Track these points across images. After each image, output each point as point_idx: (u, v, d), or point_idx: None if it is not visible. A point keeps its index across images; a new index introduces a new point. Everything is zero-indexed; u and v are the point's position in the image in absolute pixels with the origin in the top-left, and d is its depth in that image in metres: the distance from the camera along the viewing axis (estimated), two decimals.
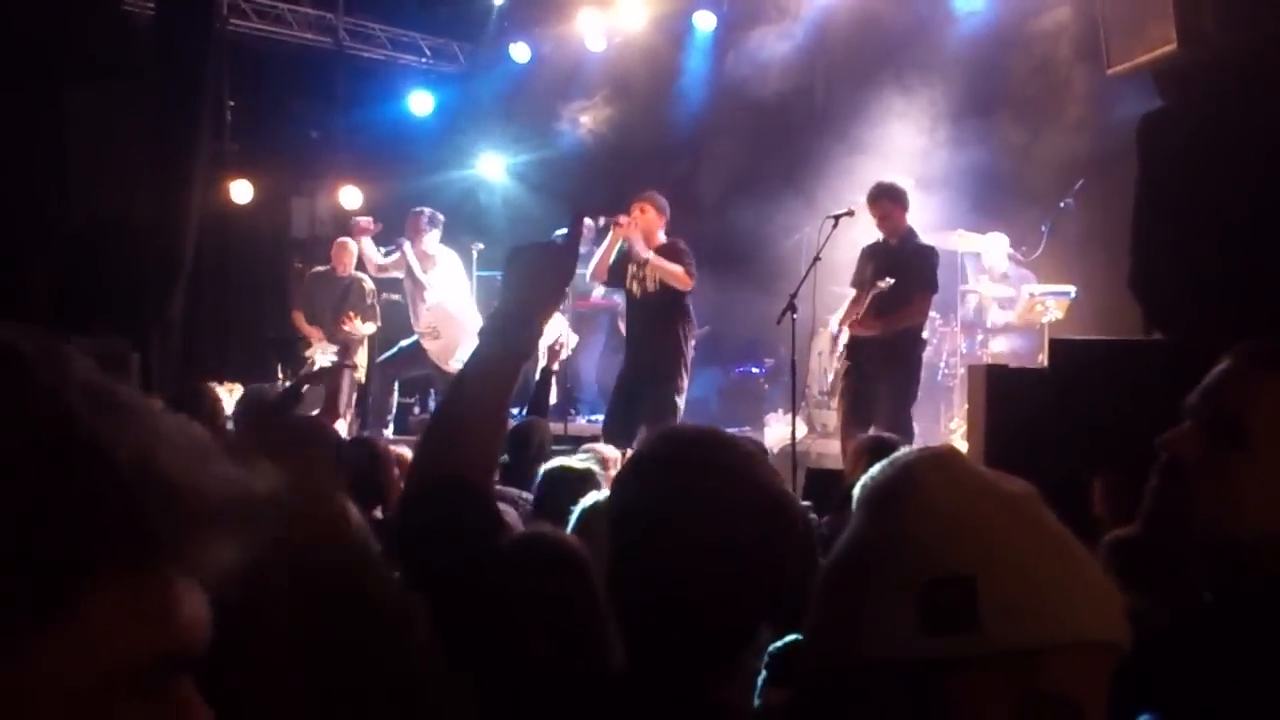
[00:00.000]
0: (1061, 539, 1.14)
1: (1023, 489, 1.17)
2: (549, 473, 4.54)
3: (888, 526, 1.14)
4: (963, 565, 1.07)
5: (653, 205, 8.43)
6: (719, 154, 12.08)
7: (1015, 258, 10.51)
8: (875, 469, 1.21)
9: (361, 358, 10.58)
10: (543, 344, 11.66)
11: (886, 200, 7.99)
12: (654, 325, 8.33)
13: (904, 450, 1.27)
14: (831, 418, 10.38)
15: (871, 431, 6.76)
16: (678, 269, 8.19)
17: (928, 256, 7.95)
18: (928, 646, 1.06)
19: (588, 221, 8.50)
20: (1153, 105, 5.10)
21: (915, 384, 7.96)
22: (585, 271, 8.90)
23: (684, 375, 8.30)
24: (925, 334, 8.36)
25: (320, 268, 11.06)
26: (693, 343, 8.43)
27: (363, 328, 10.45)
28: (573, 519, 3.32)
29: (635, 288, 8.40)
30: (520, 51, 13.43)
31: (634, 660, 1.61)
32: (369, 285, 10.62)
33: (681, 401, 8.29)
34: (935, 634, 1.06)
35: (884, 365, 7.83)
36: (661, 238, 8.44)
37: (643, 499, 1.62)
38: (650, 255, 8.22)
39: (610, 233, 8.51)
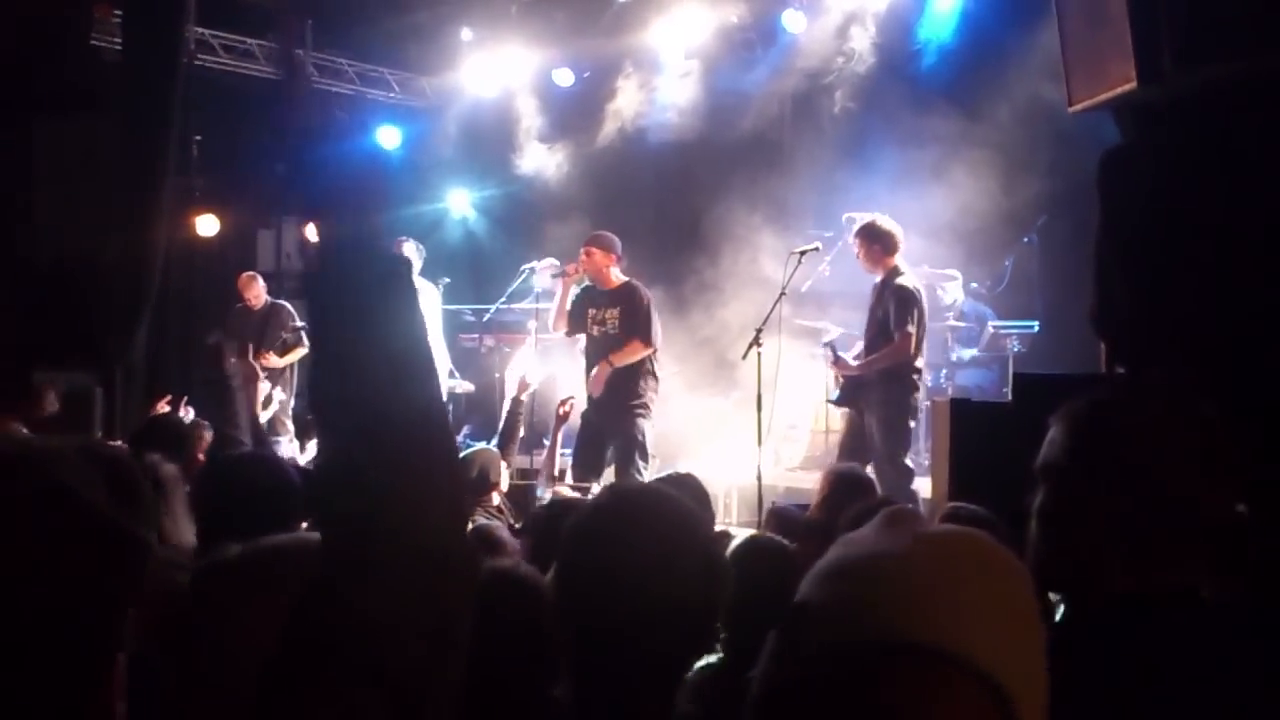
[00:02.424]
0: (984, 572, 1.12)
1: (987, 545, 1.15)
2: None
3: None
4: None
5: (598, 247, 8.42)
6: (686, 188, 12.14)
7: (979, 293, 10.59)
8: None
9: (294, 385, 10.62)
10: (511, 376, 11.67)
11: (858, 237, 8.02)
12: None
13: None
14: (797, 451, 10.41)
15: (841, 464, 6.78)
16: (634, 348, 8.23)
17: (895, 295, 7.81)
18: None
19: (553, 261, 8.60)
20: (1113, 142, 5.16)
21: (905, 423, 7.81)
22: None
23: (649, 410, 8.30)
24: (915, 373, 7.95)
25: (239, 304, 11.14)
26: (655, 380, 8.41)
27: (278, 360, 10.41)
28: None
29: (595, 330, 8.40)
30: (488, 87, 13.47)
31: (578, 685, 1.76)
32: (288, 311, 10.63)
33: (650, 436, 8.29)
34: None
35: (874, 404, 7.80)
36: (617, 276, 8.46)
37: (592, 543, 1.80)
38: (610, 367, 8.23)
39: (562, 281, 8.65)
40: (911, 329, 7.68)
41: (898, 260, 7.92)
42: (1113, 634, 1.74)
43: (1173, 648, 1.72)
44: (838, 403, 8.21)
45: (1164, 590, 1.78)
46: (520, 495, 7.42)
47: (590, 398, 8.40)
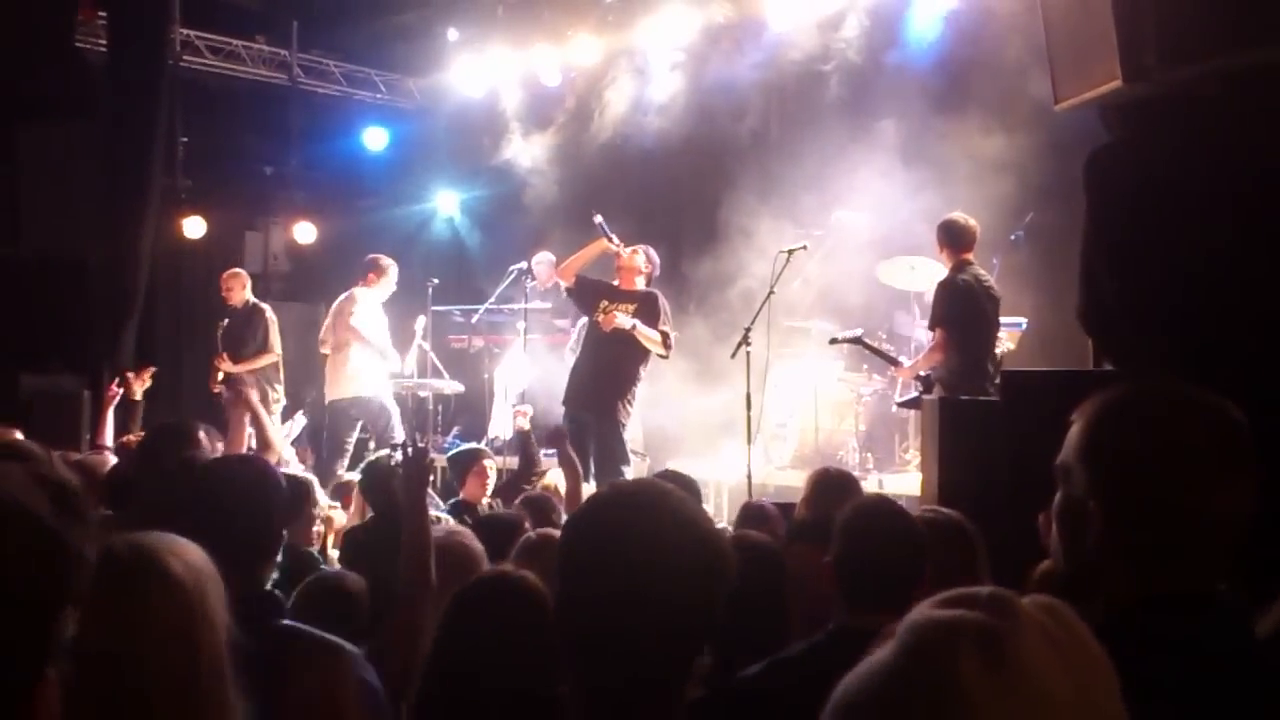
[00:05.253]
0: None
1: (1092, 681, 1.03)
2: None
3: None
4: None
5: (646, 254, 8.63)
6: (674, 187, 12.14)
7: None
8: (892, 641, 1.01)
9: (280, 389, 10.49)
10: (500, 377, 11.65)
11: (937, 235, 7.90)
12: (616, 358, 8.40)
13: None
14: (786, 450, 10.41)
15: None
16: (656, 336, 8.33)
17: (938, 292, 7.75)
18: None
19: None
20: (1099, 139, 5.18)
21: None
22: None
23: (629, 408, 8.49)
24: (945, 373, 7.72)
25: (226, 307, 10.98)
26: (635, 389, 8.57)
27: (230, 365, 10.25)
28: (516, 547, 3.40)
29: (604, 319, 8.44)
30: (475, 87, 13.45)
31: (580, 685, 1.71)
32: (268, 315, 10.47)
33: (626, 429, 8.48)
34: None
35: None
36: (640, 284, 8.59)
37: (592, 539, 1.74)
38: (635, 323, 8.28)
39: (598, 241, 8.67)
40: (943, 327, 7.57)
41: (966, 257, 7.74)
42: (1126, 638, 1.72)
43: (1186, 651, 1.70)
44: (903, 404, 8.40)
45: (1177, 593, 1.77)
46: None
47: (579, 391, 8.51)
